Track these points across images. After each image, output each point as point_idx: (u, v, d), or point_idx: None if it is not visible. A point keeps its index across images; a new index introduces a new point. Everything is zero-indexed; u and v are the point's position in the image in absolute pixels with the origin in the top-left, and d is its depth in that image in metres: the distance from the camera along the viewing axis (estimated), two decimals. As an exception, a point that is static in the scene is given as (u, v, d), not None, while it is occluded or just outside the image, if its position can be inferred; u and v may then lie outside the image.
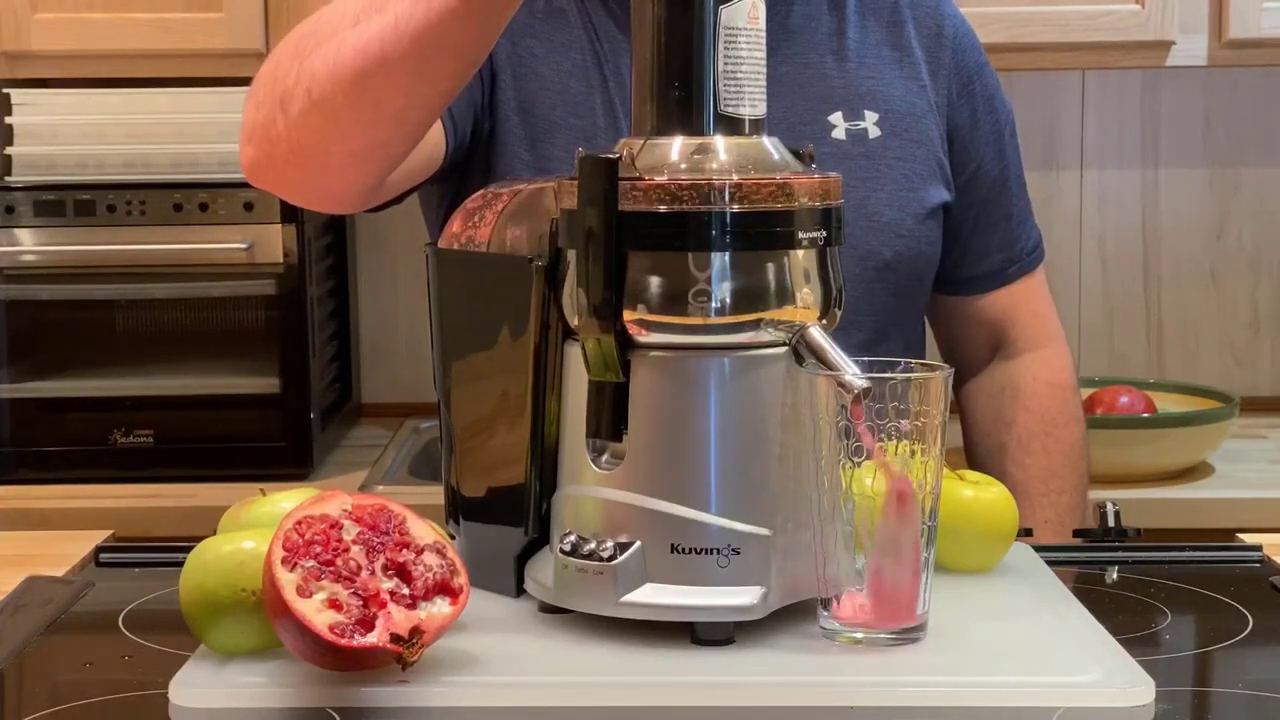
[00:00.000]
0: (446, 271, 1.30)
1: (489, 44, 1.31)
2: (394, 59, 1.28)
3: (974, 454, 1.81)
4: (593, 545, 1.16)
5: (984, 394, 1.81)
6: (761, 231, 1.15)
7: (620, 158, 1.14)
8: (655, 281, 1.15)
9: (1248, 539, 1.47)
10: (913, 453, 1.12)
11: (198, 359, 2.49)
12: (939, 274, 1.73)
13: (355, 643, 1.06)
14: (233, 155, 2.48)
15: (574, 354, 1.20)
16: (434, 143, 1.52)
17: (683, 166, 1.16)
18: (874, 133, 1.65)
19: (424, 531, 1.12)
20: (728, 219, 1.13)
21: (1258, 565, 1.41)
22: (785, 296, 1.16)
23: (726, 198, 1.13)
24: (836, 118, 1.64)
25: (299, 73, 1.33)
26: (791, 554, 1.16)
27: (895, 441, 1.12)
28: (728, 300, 1.14)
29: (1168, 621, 1.26)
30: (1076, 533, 1.60)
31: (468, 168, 1.60)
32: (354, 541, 1.10)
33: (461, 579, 1.11)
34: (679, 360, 1.16)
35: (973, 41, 1.74)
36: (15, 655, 1.20)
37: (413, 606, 1.08)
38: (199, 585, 1.13)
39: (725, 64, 1.18)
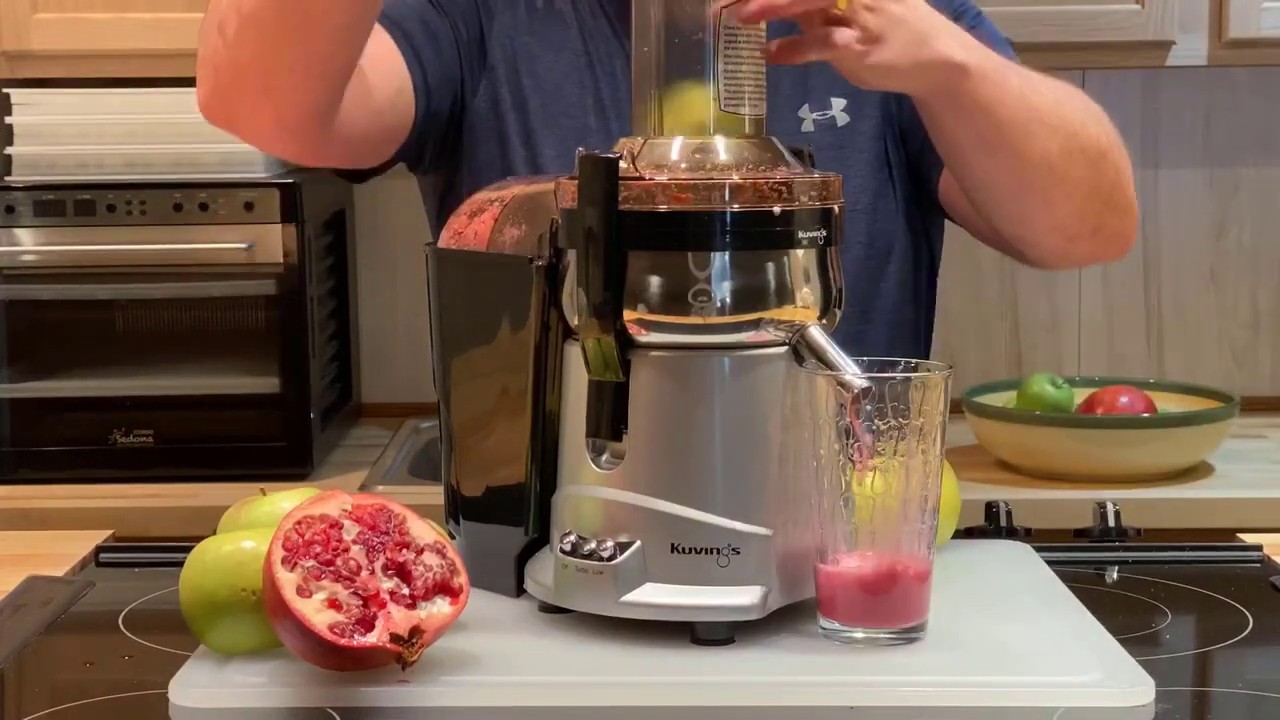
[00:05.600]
0: (446, 271, 1.30)
1: None
2: None
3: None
4: (593, 545, 1.16)
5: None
6: (761, 231, 1.15)
7: (620, 157, 1.14)
8: (655, 281, 1.15)
9: (1248, 539, 1.47)
10: (912, 453, 1.12)
11: (198, 359, 2.48)
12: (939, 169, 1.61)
13: (355, 643, 1.06)
14: (233, 155, 2.50)
15: (574, 354, 1.20)
16: (401, 95, 1.55)
17: (683, 166, 1.16)
18: (842, 119, 1.64)
19: (424, 531, 1.12)
20: (728, 218, 1.13)
21: (1258, 565, 1.41)
22: (785, 296, 1.16)
23: (726, 197, 1.13)
24: (804, 110, 1.63)
25: None
26: (791, 554, 1.16)
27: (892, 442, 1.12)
28: (728, 300, 1.14)
29: (1168, 621, 1.26)
30: (1076, 533, 1.60)
31: (458, 156, 1.62)
32: (354, 541, 1.10)
33: (461, 579, 1.11)
34: (679, 360, 1.16)
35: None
36: (15, 655, 1.20)
37: (413, 606, 1.08)
38: (199, 585, 1.13)
39: (725, 64, 1.18)
